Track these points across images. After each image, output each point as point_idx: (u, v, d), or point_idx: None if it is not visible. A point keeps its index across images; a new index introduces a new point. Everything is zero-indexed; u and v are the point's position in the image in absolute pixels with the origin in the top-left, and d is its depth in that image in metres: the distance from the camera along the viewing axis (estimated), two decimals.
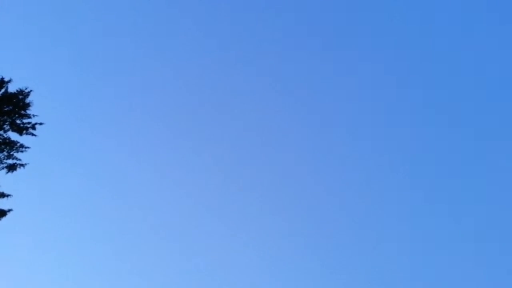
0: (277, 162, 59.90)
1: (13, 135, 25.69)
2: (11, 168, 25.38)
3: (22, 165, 25.57)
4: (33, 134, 25.82)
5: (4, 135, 25.56)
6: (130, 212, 53.16)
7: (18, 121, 25.69)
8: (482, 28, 59.74)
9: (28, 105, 25.75)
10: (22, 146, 25.62)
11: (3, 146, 25.41)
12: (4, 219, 24.92)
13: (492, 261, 49.06)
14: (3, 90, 25.47)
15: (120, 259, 50.00)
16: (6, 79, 25.48)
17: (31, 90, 25.85)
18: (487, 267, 48.69)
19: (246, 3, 61.04)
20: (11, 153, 25.48)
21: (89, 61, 57.34)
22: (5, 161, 25.40)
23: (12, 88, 25.62)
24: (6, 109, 25.48)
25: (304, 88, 62.69)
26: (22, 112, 25.72)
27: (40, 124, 25.90)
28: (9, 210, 25.02)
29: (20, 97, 25.66)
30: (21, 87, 25.72)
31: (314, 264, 50.51)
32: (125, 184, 55.63)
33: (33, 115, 25.84)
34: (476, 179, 56.37)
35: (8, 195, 25.13)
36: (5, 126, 25.54)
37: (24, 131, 25.70)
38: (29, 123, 25.79)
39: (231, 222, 54.43)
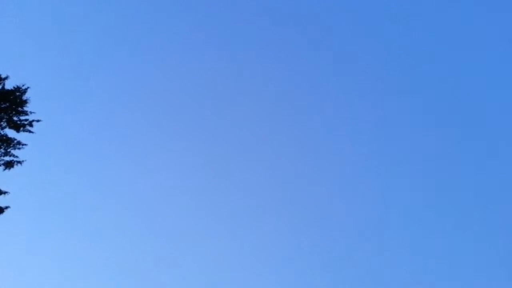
0: (276, 162, 59.88)
1: (10, 132, 25.67)
2: (8, 165, 25.32)
3: (19, 162, 25.50)
4: (30, 131, 25.74)
5: (1, 132, 25.52)
6: (127, 210, 53.12)
7: (15, 118, 25.62)
8: (482, 28, 59.82)
9: (25, 102, 25.68)
10: (19, 143, 25.56)
11: (0, 143, 25.35)
12: (1, 216, 24.89)
13: (492, 261, 49.14)
14: (0, 87, 25.41)
15: (117, 257, 49.96)
16: (3, 76, 25.41)
17: (28, 87, 25.78)
18: (487, 267, 48.76)
19: (245, 3, 61.00)
20: (8, 150, 25.43)
21: (86, 59, 57.27)
22: (2, 158, 25.35)
23: (9, 85, 25.59)
24: (3, 106, 25.41)
25: (304, 88, 62.72)
26: (19, 109, 25.64)
27: (38, 121, 25.84)
28: (6, 207, 24.99)
29: (17, 94, 25.58)
30: (18, 84, 25.67)
31: (313, 264, 50.54)
32: (122, 182, 55.59)
33: (30, 112, 25.77)
34: (477, 180, 56.49)
35: (5, 192, 25.07)
36: (2, 123, 25.48)
37: (21, 128, 25.63)
38: (26, 120, 25.71)
39: (229, 223, 54.45)
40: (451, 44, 60.72)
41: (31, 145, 25.93)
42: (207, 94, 61.73)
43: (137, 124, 58.53)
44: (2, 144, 25.32)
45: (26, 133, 25.70)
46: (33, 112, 25.80)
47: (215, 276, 48.66)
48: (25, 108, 25.69)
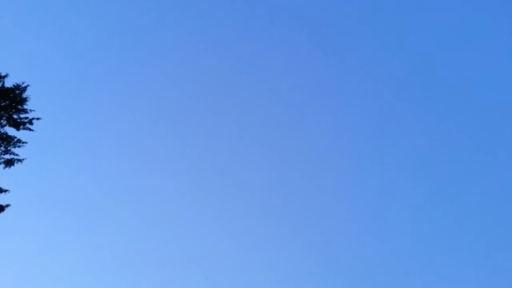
0: (277, 163, 59.91)
1: (10, 130, 25.68)
2: (9, 163, 25.34)
3: (19, 160, 25.53)
4: (30, 129, 25.77)
5: (1, 130, 25.52)
6: (127, 208, 53.18)
7: (15, 116, 25.63)
8: (482, 29, 59.85)
9: (25, 100, 25.69)
10: (19, 141, 25.58)
11: (0, 141, 25.36)
12: (1, 214, 24.92)
13: (492, 262, 49.18)
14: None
15: (118, 255, 50.03)
16: (2, 74, 25.42)
17: (27, 85, 25.80)
18: (487, 268, 48.82)
19: (244, 3, 61.00)
20: (9, 148, 25.45)
21: (86, 57, 57.29)
22: (2, 156, 25.37)
23: (8, 83, 25.60)
24: (2, 104, 25.41)
25: (303, 88, 62.75)
26: (19, 107, 25.66)
27: (37, 119, 25.85)
28: (7, 205, 25.01)
29: (17, 92, 25.59)
30: (17, 82, 25.68)
31: (313, 265, 50.59)
32: (123, 180, 55.63)
33: (30, 110, 25.81)
34: (476, 180, 56.53)
35: (6, 190, 25.11)
36: (2, 121, 25.49)
37: (21, 126, 25.65)
38: (26, 118, 25.73)
39: (230, 223, 54.49)
40: (452, 45, 60.81)
41: (31, 143, 25.99)
42: (209, 94, 61.79)
43: (137, 123, 58.60)
44: (2, 142, 25.33)
45: (26, 131, 25.76)
46: (33, 110, 25.86)
47: (215, 276, 48.77)
48: (25, 106, 25.72)
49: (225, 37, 61.99)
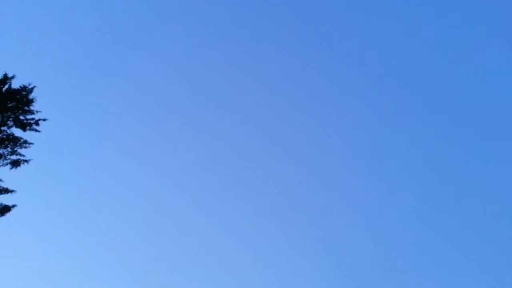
0: (278, 164, 59.97)
1: (17, 131, 25.82)
2: (15, 164, 25.47)
3: (25, 161, 25.66)
4: (36, 130, 25.90)
5: (8, 131, 25.65)
6: (131, 208, 53.33)
7: (21, 117, 25.76)
8: (482, 32, 59.80)
9: (31, 101, 25.83)
10: (25, 142, 25.71)
11: (6, 142, 25.50)
12: (8, 214, 25.07)
13: (491, 262, 49.08)
14: (6, 86, 25.57)
15: (122, 255, 50.17)
16: (9, 75, 25.57)
17: (34, 86, 25.96)
18: (486, 268, 48.73)
19: (245, 3, 61.11)
20: (15, 149, 25.57)
21: (92, 59, 57.52)
22: (9, 157, 25.49)
23: (15, 84, 25.76)
24: (9, 105, 25.56)
25: (303, 89, 62.83)
26: (26, 108, 25.79)
27: (44, 120, 25.99)
28: (13, 206, 25.15)
29: (24, 93, 25.74)
30: (24, 83, 25.83)
31: (312, 263, 50.58)
32: (128, 181, 55.80)
33: (37, 111, 25.95)
34: (476, 180, 56.46)
35: (12, 191, 25.24)
36: (8, 122, 25.63)
37: (28, 127, 25.77)
38: (32, 119, 25.86)
39: (229, 222, 54.57)
40: (452, 46, 60.79)
41: (38, 144, 26.12)
42: (210, 95, 61.94)
43: (142, 124, 58.79)
44: (9, 143, 25.47)
45: (33, 132, 25.88)
46: (40, 111, 26.00)
47: (215, 275, 48.83)
48: (31, 107, 25.85)
49: (226, 37, 62.19)
